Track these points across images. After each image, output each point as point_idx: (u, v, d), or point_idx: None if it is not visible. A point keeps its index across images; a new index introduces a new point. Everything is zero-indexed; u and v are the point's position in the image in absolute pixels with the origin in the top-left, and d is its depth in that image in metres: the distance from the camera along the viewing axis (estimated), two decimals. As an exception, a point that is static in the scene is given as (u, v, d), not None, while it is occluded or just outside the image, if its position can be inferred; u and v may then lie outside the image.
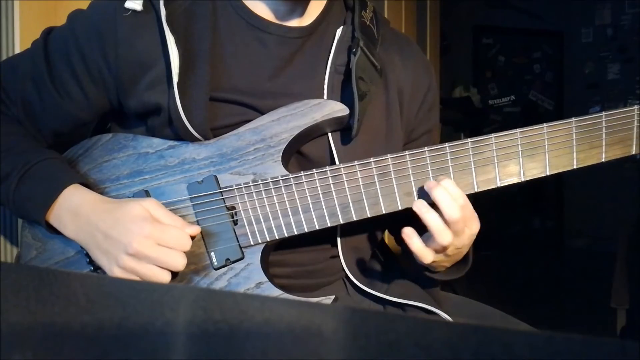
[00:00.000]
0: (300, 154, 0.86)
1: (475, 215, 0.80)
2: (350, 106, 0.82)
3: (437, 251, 0.78)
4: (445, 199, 0.76)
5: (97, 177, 0.85)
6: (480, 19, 5.20)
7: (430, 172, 0.80)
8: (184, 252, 0.76)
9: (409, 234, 0.77)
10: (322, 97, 0.84)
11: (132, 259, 0.75)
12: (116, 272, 0.76)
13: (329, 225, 0.81)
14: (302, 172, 0.81)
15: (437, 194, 0.76)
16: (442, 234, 0.76)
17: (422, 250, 0.77)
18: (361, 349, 0.33)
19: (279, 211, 0.81)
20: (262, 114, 0.83)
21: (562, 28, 5.34)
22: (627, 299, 2.09)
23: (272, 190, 0.81)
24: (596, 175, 4.84)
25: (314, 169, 0.81)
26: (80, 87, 0.85)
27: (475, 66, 5.25)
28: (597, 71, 5.25)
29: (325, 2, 0.89)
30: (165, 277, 0.76)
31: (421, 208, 0.76)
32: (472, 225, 0.79)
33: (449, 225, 0.76)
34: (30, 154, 0.83)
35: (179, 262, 0.76)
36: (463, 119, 3.75)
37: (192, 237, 0.78)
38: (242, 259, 0.81)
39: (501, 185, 0.80)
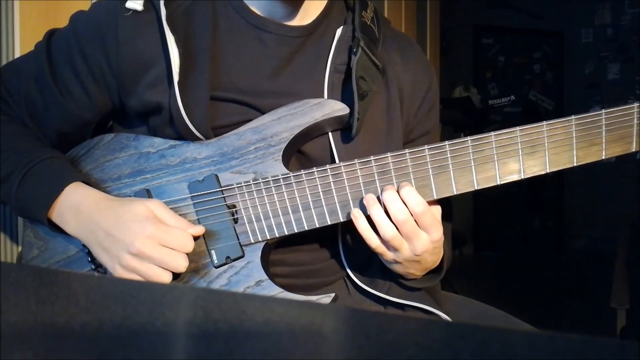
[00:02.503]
0: (301, 153, 0.86)
1: (438, 223, 0.79)
2: (351, 105, 0.82)
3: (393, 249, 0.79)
4: (380, 218, 0.77)
5: (99, 176, 0.85)
6: (480, 19, 5.20)
7: (430, 170, 0.80)
8: (186, 254, 0.77)
9: (357, 216, 0.78)
10: (323, 96, 0.84)
11: (134, 258, 0.75)
12: (118, 270, 0.76)
13: (329, 223, 0.81)
14: (302, 170, 0.81)
15: (372, 213, 0.77)
16: (384, 225, 0.77)
17: (367, 232, 0.78)
18: (361, 349, 0.33)
19: (279, 209, 0.81)
20: (263, 113, 0.83)
21: (562, 28, 5.34)
22: (627, 299, 2.09)
23: (273, 188, 0.81)
24: (596, 175, 4.85)
25: (314, 168, 0.81)
26: (83, 87, 0.85)
27: (475, 66, 5.25)
28: (597, 71, 5.25)
29: (325, 2, 0.89)
30: (166, 278, 0.76)
31: (368, 202, 0.78)
32: (432, 233, 0.78)
33: (385, 243, 0.78)
34: (32, 153, 0.83)
35: (181, 264, 0.76)
36: (463, 119, 3.76)
37: (195, 238, 0.79)
38: (242, 257, 0.81)
39: (501, 183, 0.80)
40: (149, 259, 0.75)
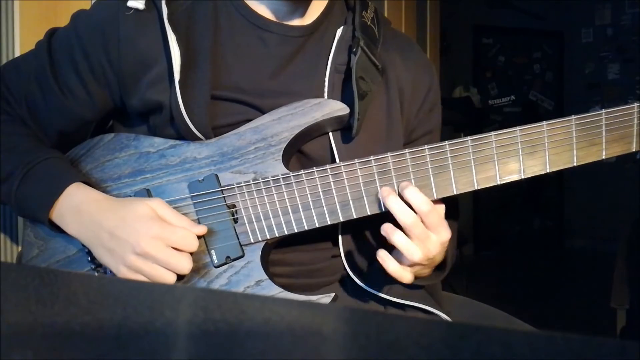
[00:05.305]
0: (302, 153, 0.86)
1: (445, 223, 0.79)
2: (351, 105, 0.82)
3: (411, 266, 0.79)
4: (397, 206, 0.77)
5: (99, 176, 0.85)
6: (480, 19, 5.20)
7: (430, 170, 0.80)
8: (191, 254, 0.77)
9: (384, 258, 0.78)
10: (323, 96, 0.84)
11: (139, 258, 0.75)
12: (122, 271, 0.77)
13: (329, 223, 0.81)
14: (302, 170, 0.81)
15: (388, 203, 0.77)
16: (410, 251, 0.76)
17: (399, 272, 0.78)
18: (361, 349, 0.33)
19: (279, 209, 0.81)
20: (263, 112, 0.83)
21: (562, 28, 5.34)
22: (627, 299, 2.09)
23: (273, 188, 0.81)
24: (596, 175, 4.85)
25: (314, 167, 0.81)
26: (84, 86, 0.85)
27: (475, 66, 5.24)
28: (597, 71, 5.25)
29: (326, 2, 0.89)
30: (171, 279, 0.77)
31: (387, 231, 0.77)
32: (440, 233, 0.78)
33: (409, 232, 0.76)
34: (32, 153, 0.83)
35: (185, 265, 0.77)
36: (463, 119, 3.75)
37: (199, 237, 0.79)
38: (242, 256, 0.81)
39: (501, 182, 0.80)
40: (154, 259, 0.75)
